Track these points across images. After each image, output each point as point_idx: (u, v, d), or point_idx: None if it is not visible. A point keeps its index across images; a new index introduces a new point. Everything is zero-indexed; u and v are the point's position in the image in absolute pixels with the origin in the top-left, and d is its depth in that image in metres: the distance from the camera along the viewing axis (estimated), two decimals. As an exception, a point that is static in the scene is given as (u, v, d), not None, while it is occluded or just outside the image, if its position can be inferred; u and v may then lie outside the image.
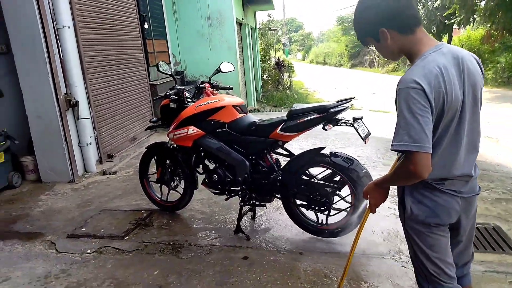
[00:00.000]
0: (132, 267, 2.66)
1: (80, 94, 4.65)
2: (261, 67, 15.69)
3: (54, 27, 4.32)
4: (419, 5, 18.11)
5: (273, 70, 16.91)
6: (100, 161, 5.11)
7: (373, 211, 1.65)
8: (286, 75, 17.56)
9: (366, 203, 2.48)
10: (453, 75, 1.36)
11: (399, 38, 1.40)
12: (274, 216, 3.35)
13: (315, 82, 21.86)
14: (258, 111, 10.53)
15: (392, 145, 1.35)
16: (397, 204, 1.61)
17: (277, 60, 17.75)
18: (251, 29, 13.26)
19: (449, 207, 1.45)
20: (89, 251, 2.90)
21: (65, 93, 4.46)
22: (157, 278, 2.51)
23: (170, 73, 3.17)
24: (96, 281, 2.50)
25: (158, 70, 3.01)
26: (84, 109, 4.73)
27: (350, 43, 33.50)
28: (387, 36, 1.40)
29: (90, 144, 4.79)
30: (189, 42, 8.44)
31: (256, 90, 13.84)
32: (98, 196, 4.07)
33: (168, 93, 3.01)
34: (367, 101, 13.00)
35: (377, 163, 4.69)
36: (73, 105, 4.52)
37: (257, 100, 13.44)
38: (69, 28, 4.49)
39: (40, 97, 4.25)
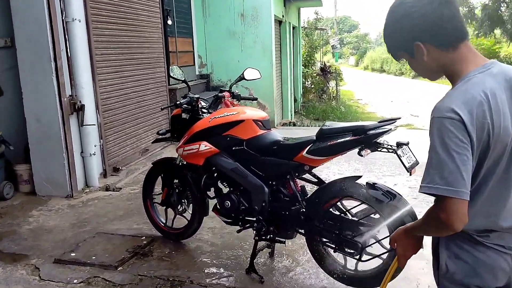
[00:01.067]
0: (122, 305, 2.67)
1: (87, 97, 4.83)
2: (303, 72, 15.72)
3: (63, 20, 4.55)
4: (502, 5, 17.58)
5: (317, 77, 16.88)
6: (104, 174, 5.26)
7: (402, 264, 1.56)
8: (332, 83, 17.48)
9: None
10: (503, 102, 1.27)
11: (438, 54, 1.35)
12: (296, 256, 3.27)
13: (368, 93, 21.57)
14: (294, 124, 10.49)
15: (420, 186, 1.28)
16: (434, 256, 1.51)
17: (322, 65, 17.72)
18: (293, 28, 13.35)
19: (494, 266, 1.35)
20: (75, 281, 2.95)
21: (70, 95, 4.65)
22: (149, 321, 2.50)
23: (183, 78, 3.22)
24: (78, 318, 2.53)
25: (169, 75, 3.07)
26: (90, 114, 4.90)
27: (414, 48, 32.92)
28: (423, 51, 1.35)
29: (94, 154, 4.94)
30: (218, 41, 8.61)
31: (295, 100, 13.85)
32: (97, 216, 4.17)
33: (179, 102, 3.06)
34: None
35: (432, 198, 4.48)
36: (78, 109, 4.70)
37: (295, 112, 13.43)
38: (80, 21, 4.71)
39: (41, 98, 4.46)
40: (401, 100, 18.19)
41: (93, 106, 5.02)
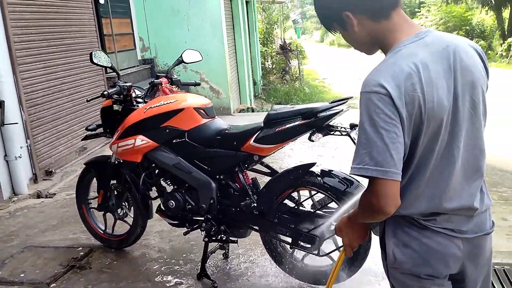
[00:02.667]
0: (55, 326, 2.61)
1: (7, 91, 4.65)
2: (261, 52, 15.71)
3: (-29, 4, 4.33)
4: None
5: (278, 56, 16.93)
6: (34, 179, 5.10)
7: (349, 254, 1.60)
8: (295, 62, 17.58)
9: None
10: (438, 73, 1.29)
11: (369, 25, 1.37)
12: (253, 256, 3.29)
13: (334, 72, 21.83)
14: (253, 110, 10.49)
15: (351, 168, 1.30)
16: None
17: (282, 43, 17.77)
18: (247, 2, 13.29)
19: (444, 253, 1.39)
20: (0, 303, 2.86)
21: (-14, 91, 4.46)
22: None
23: (110, 65, 3.13)
24: None
25: (91, 61, 2.97)
26: (12, 111, 4.72)
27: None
28: (352, 22, 1.37)
29: (20, 157, 4.77)
30: (161, 21, 8.47)
31: (255, 83, 13.85)
32: (26, 227, 4.04)
33: (107, 92, 2.97)
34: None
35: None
36: (-3, 106, 4.51)
37: (255, 96, 13.44)
38: (-8, 4, 4.50)
39: (-50, 95, 4.25)
40: (369, 77, 18.52)
41: (16, 102, 4.83)
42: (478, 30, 20.97)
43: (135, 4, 8.32)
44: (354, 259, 2.64)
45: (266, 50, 16.53)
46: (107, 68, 3.17)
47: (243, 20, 11.71)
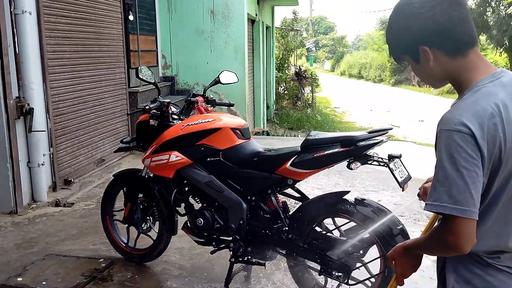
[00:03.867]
0: (79, 337, 2.59)
1: (36, 99, 4.71)
2: (276, 77, 15.87)
3: (11, 12, 4.43)
4: (488, 10, 18.36)
5: (292, 82, 17.08)
6: (53, 187, 5.12)
7: (401, 283, 1.60)
8: (308, 89, 17.72)
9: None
10: None
11: (445, 60, 1.37)
12: (276, 279, 3.27)
13: (346, 101, 22.00)
14: (268, 134, 10.55)
15: (426, 204, 1.31)
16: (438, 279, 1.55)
17: (297, 70, 17.95)
18: (267, 28, 13.50)
19: None
20: (23, 309, 2.85)
21: (17, 97, 4.52)
22: None
23: (153, 81, 3.19)
24: None
25: (137, 76, 3.03)
26: (40, 119, 4.78)
27: (394, 54, 33.85)
28: (429, 57, 1.37)
29: (43, 164, 4.80)
30: (184, 40, 8.59)
31: (268, 107, 13.95)
32: (46, 235, 4.04)
33: (148, 106, 3.02)
34: (413, 130, 13.01)
35: (420, 215, 4.60)
36: (26, 113, 4.57)
37: (267, 120, 13.52)
38: (30, 14, 4.60)
39: (-17, 100, 4.30)
40: (381, 109, 18.64)
41: (43, 110, 4.89)
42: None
43: (160, 22, 8.47)
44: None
45: (281, 75, 16.68)
46: (150, 84, 3.20)
47: (262, 45, 11.87)
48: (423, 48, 1.37)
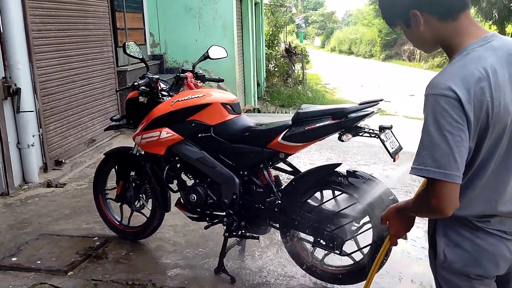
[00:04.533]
0: (75, 314, 2.61)
1: (23, 79, 4.65)
2: (266, 54, 15.76)
3: (-7, -10, 4.32)
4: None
5: (282, 59, 16.98)
6: (44, 168, 5.09)
7: (394, 243, 1.66)
8: (298, 66, 17.63)
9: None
10: (504, 78, 1.32)
11: (435, 24, 1.38)
12: (270, 252, 3.31)
13: (336, 77, 21.96)
14: (259, 111, 10.53)
15: (411, 168, 1.33)
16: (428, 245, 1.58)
17: (287, 46, 17.82)
18: (255, 4, 13.34)
19: (496, 253, 1.42)
20: (19, 288, 2.86)
21: (3, 77, 4.46)
22: (108, 331, 2.46)
23: (141, 56, 3.15)
24: (25, 330, 2.45)
25: (124, 52, 2.99)
26: (27, 99, 4.72)
27: (384, 28, 33.61)
28: (420, 20, 1.38)
29: (32, 145, 4.77)
30: (172, 17, 8.48)
31: (258, 84, 13.89)
32: (38, 215, 4.04)
33: (136, 83, 2.99)
34: (403, 105, 13.05)
35: (411, 187, 4.64)
36: (13, 93, 4.52)
37: (258, 97, 13.48)
38: (13, -8, 4.50)
39: (-31, 80, 4.24)
40: (371, 84, 18.64)
41: (31, 90, 4.83)
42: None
43: (147, 0, 8.33)
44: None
45: (271, 52, 16.56)
46: (138, 60, 3.16)
47: (251, 21, 11.75)
48: (414, 12, 1.37)
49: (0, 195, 4.46)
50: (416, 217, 1.59)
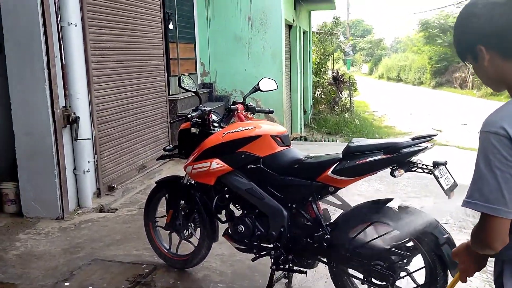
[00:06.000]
0: None
1: (82, 109, 4.86)
2: (313, 82, 15.80)
3: (57, 24, 4.60)
4: None
5: (329, 87, 16.95)
6: (98, 194, 5.26)
7: (463, 280, 1.66)
8: (345, 93, 17.54)
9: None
10: None
11: (499, 62, 1.39)
12: (318, 287, 3.23)
13: (384, 104, 21.62)
14: (305, 139, 10.49)
15: (463, 201, 1.38)
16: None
17: (334, 74, 17.80)
18: (303, 33, 13.47)
19: None
20: (71, 313, 2.93)
21: (63, 106, 4.68)
22: None
23: (195, 89, 3.24)
24: None
25: (179, 85, 3.08)
26: (85, 127, 4.93)
27: (435, 55, 33.04)
28: (484, 56, 1.40)
29: (88, 171, 4.95)
30: (223, 47, 8.68)
31: (305, 112, 13.90)
32: (91, 240, 4.15)
33: (189, 115, 3.07)
34: (455, 134, 12.63)
35: (466, 222, 4.46)
36: (72, 122, 4.72)
37: (305, 125, 13.47)
38: (76, 26, 4.77)
39: (32, 109, 4.48)
40: (421, 112, 18.22)
41: (88, 118, 5.04)
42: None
43: (199, 30, 8.59)
44: None
45: (318, 80, 16.59)
46: (192, 92, 3.25)
47: (299, 50, 11.85)
48: (480, 48, 1.40)
49: (55, 219, 4.63)
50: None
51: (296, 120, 11.48)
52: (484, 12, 1.38)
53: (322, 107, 16.71)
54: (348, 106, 16.67)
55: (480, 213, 1.38)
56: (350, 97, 16.91)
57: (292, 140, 9.77)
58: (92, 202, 5.07)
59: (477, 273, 1.70)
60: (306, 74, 14.30)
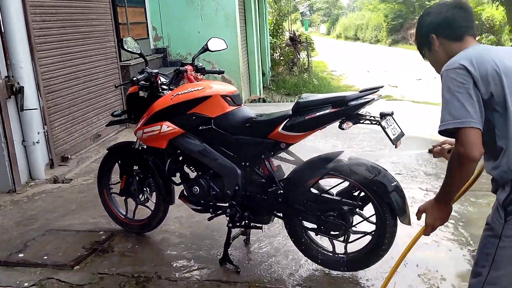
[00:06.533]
0: (82, 308, 2.65)
1: (26, 78, 4.68)
2: (270, 43, 15.68)
3: (-8, -12, 4.34)
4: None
5: (287, 48, 16.89)
6: (51, 165, 5.14)
7: (428, 233, 1.88)
8: (303, 54, 17.54)
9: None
10: (501, 49, 1.76)
11: (446, 44, 1.82)
12: (275, 242, 3.32)
13: (343, 64, 21.80)
14: (264, 101, 10.50)
15: (439, 126, 1.65)
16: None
17: (291, 35, 17.72)
18: (258, -7, 13.25)
19: None
20: (26, 284, 2.90)
21: (6, 76, 4.49)
22: (114, 324, 2.49)
23: (139, 51, 3.16)
24: (33, 325, 2.49)
25: (122, 48, 3.00)
26: (31, 97, 4.76)
27: (390, 13, 33.37)
28: (435, 42, 1.83)
29: (38, 142, 4.81)
30: (174, 10, 8.47)
31: (263, 74, 13.86)
32: (45, 211, 4.08)
33: (135, 78, 2.99)
34: (411, 89, 12.94)
35: (418, 172, 4.63)
36: (16, 92, 4.55)
37: (263, 87, 13.45)
38: (13, -11, 4.51)
39: (-28, 80, 4.27)
40: (378, 70, 18.50)
41: (34, 88, 4.86)
42: (487, 25, 20.85)
43: (149, -7, 8.32)
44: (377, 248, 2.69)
45: (275, 41, 16.48)
46: (136, 55, 3.16)
47: (254, 11, 11.68)
48: (432, 36, 1.84)
49: (7, 192, 4.51)
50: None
51: (254, 82, 11.44)
52: (435, 10, 1.85)
53: (281, 69, 16.65)
54: (306, 67, 16.68)
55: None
56: (308, 58, 16.90)
57: (251, 102, 9.77)
58: (45, 173, 4.96)
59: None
60: (263, 36, 14.18)
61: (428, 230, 1.86)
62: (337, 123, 2.64)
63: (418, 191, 4.12)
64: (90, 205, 4.17)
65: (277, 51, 16.78)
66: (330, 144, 5.73)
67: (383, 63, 20.84)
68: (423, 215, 1.89)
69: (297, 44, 16.97)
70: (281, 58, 17.05)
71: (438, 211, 1.82)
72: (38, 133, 4.88)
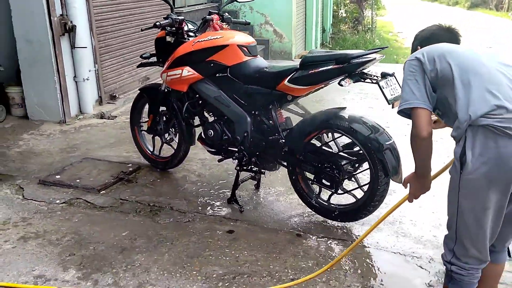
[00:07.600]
0: (100, 225, 3.01)
1: (79, 17, 5.01)
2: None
3: None
4: None
5: (351, 5, 16.40)
6: (99, 101, 5.56)
7: (410, 200, 2.15)
8: (369, 12, 16.98)
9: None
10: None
11: None
12: (282, 191, 3.52)
13: (411, 26, 20.79)
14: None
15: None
16: None
17: (357, -9, 17.12)
18: None
19: None
20: (58, 201, 3.31)
21: (60, 15, 4.84)
22: (123, 240, 2.84)
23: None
24: (56, 234, 2.88)
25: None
26: (83, 36, 5.11)
27: (473, -27, 31.05)
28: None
29: (87, 79, 5.20)
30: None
31: (323, 30, 13.64)
32: (87, 142, 4.50)
33: (158, 23, 3.20)
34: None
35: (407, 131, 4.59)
36: (69, 30, 4.90)
37: (322, 44, 13.28)
38: None
39: (30, 17, 4.66)
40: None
41: (87, 28, 5.21)
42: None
43: None
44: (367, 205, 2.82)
45: (341, -3, 16.04)
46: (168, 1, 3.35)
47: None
48: (418, 47, 2.14)
49: (58, 122, 4.98)
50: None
51: (309, 38, 11.33)
52: (428, 28, 2.22)
53: (344, 27, 16.27)
54: (370, 26, 16.18)
55: None
56: (372, 16, 16.33)
57: (300, 58, 9.73)
58: (94, 109, 5.38)
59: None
60: (327, -10, 13.86)
61: (410, 197, 2.14)
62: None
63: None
64: (127, 141, 4.52)
65: (341, 8, 16.33)
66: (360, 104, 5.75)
67: (457, 28, 19.66)
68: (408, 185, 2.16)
69: (361, 2, 16.39)
70: (345, 15, 16.61)
71: (417, 183, 2.06)
72: (90, 71, 5.27)
